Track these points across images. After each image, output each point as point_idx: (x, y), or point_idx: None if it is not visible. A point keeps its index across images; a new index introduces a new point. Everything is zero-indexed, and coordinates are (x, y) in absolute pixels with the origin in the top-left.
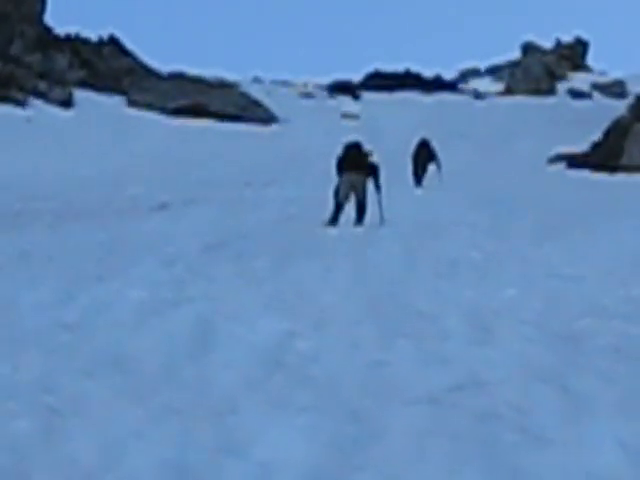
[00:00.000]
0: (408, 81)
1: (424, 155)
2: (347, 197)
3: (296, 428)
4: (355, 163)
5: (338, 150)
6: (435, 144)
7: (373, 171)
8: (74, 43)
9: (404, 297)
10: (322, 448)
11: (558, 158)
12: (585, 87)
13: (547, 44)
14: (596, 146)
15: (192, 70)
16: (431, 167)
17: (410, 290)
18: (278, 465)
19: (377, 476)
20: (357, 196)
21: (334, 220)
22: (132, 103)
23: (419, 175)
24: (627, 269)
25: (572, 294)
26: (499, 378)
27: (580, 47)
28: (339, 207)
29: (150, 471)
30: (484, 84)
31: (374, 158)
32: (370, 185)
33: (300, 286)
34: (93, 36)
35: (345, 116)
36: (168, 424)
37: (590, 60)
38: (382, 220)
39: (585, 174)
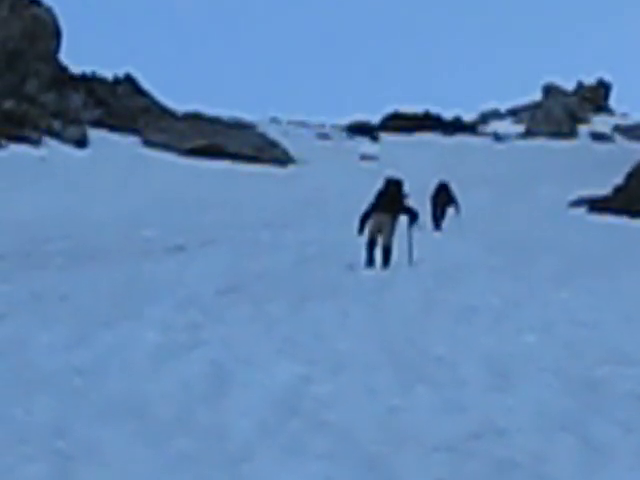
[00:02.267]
0: (427, 122)
1: (443, 198)
2: (374, 236)
3: (311, 475)
4: (390, 202)
5: (379, 184)
6: (454, 187)
7: (411, 215)
8: (89, 82)
9: (422, 342)
10: None
11: (579, 202)
12: (607, 129)
13: (569, 86)
14: (618, 190)
15: (208, 110)
16: (450, 210)
17: (428, 335)
18: None
19: None
20: (383, 239)
21: (370, 261)
22: (147, 143)
23: (438, 218)
24: None
25: (592, 340)
26: (517, 426)
27: (602, 89)
28: (370, 246)
29: None
30: (504, 126)
31: (410, 202)
32: (400, 224)
33: (316, 330)
34: (108, 75)
35: (363, 158)
36: (183, 471)
37: (612, 102)
38: (411, 261)
39: (607, 218)
